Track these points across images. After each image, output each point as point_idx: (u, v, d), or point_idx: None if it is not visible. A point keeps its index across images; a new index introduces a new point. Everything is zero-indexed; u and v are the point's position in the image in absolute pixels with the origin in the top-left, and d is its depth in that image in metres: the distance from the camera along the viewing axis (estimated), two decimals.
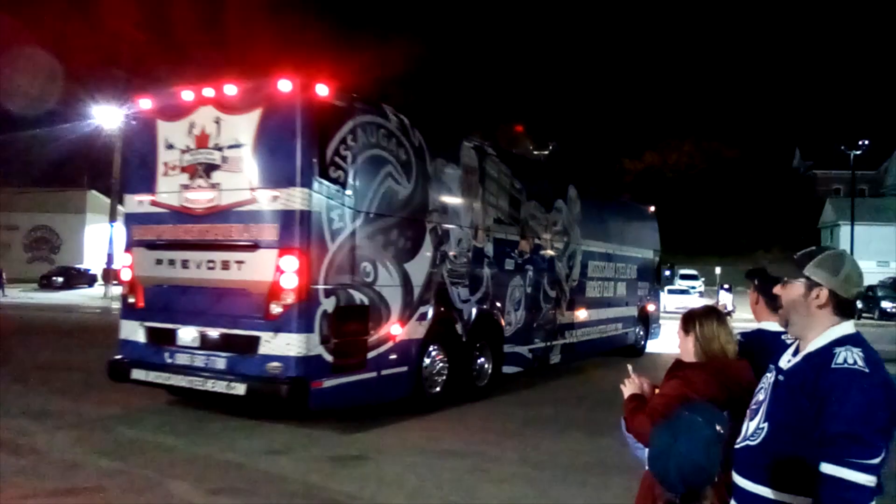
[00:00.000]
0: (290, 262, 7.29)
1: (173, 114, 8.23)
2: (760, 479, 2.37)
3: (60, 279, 40.97)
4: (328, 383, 7.49)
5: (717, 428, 2.01)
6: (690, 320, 3.02)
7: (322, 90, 7.55)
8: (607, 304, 14.68)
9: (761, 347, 3.13)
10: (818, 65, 61.23)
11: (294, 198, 7.34)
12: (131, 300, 8.62)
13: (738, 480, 2.46)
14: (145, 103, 8.65)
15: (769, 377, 2.49)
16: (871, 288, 34.96)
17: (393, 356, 8.39)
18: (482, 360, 10.36)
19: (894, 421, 2.24)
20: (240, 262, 7.64)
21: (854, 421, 2.12)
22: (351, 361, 7.80)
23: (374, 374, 8.12)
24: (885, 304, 33.16)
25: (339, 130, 7.70)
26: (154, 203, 8.35)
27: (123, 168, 8.47)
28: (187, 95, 8.12)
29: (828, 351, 2.27)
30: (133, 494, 5.74)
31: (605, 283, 14.67)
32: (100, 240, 43.22)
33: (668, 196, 54.87)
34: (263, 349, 7.40)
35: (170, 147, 8.22)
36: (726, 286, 25.94)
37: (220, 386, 7.59)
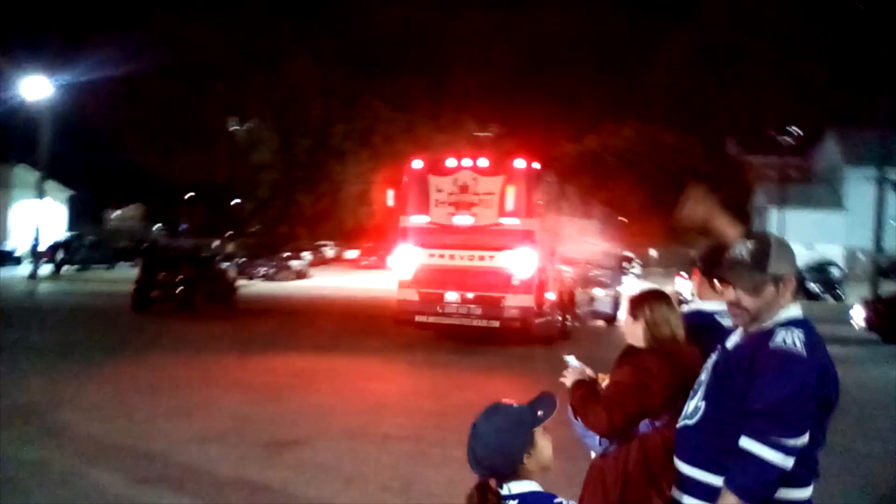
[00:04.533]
0: (523, 256, 13.23)
1: (441, 172, 13.93)
2: (697, 462, 2.32)
3: None
4: (537, 321, 13.49)
5: (538, 412, 2.00)
6: (639, 305, 2.89)
7: (535, 164, 13.75)
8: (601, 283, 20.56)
9: (699, 327, 3.10)
10: (750, 54, 62.61)
11: (525, 223, 13.37)
12: (408, 277, 13.95)
13: (678, 464, 2.40)
14: (418, 163, 14.27)
15: (713, 357, 2.45)
16: (798, 271, 36.06)
17: (549, 309, 14.14)
18: (569, 316, 15.60)
19: (826, 407, 2.25)
20: (492, 256, 13.40)
21: (779, 400, 2.12)
22: (544, 310, 13.83)
23: (548, 318, 14.10)
24: (811, 286, 34.37)
25: (539, 184, 13.80)
26: (430, 223, 13.90)
27: (403, 200, 14.42)
28: (451, 162, 13.93)
29: (770, 331, 2.26)
30: (53, 486, 5.47)
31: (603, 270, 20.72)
32: (27, 217, 41.44)
33: (609, 179, 55.57)
34: (507, 303, 13.26)
35: (439, 191, 13.83)
36: (683, 273, 24.93)
37: (482, 323, 13.45)
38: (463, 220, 13.66)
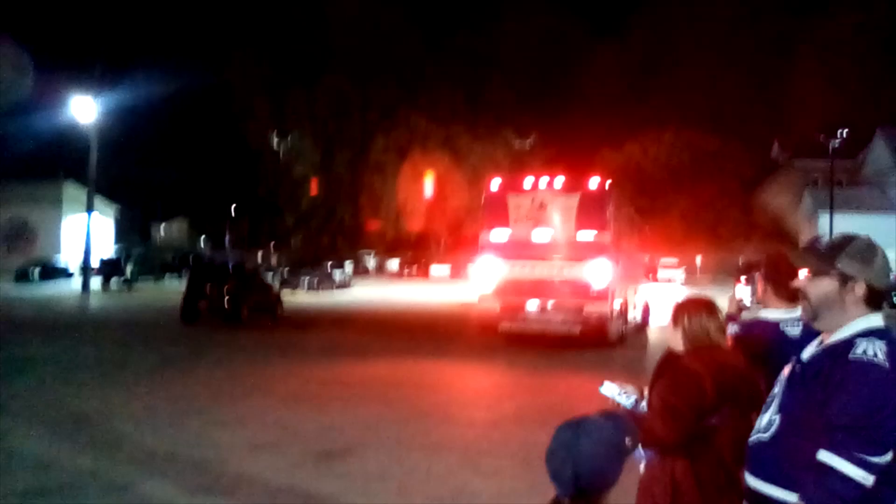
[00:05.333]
0: (600, 267, 14.29)
1: (519, 191, 15.17)
2: (772, 479, 2.22)
3: (38, 272, 40.29)
4: (611, 326, 14.61)
5: (627, 439, 1.82)
6: (679, 313, 2.95)
7: (607, 183, 14.84)
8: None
9: (761, 336, 3.04)
10: (795, 55, 61.24)
11: (601, 236, 14.44)
12: (491, 288, 14.94)
13: (750, 481, 2.30)
14: (496, 183, 15.54)
15: (787, 369, 2.35)
16: (883, 281, 35.17)
17: (618, 315, 15.45)
18: (625, 321, 16.76)
19: None
20: (569, 269, 14.43)
21: (863, 414, 2.01)
22: (615, 316, 14.88)
23: (618, 322, 15.34)
24: None
25: (611, 200, 14.84)
26: (511, 238, 14.95)
27: (483, 219, 15.71)
28: (528, 183, 15.17)
29: (849, 342, 2.15)
30: (108, 495, 5.51)
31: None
32: (77, 232, 42.46)
33: (649, 186, 54.94)
34: (586, 309, 14.22)
35: (518, 208, 14.96)
36: (744, 277, 23.84)
37: (562, 329, 14.43)
38: (542, 234, 14.78)
